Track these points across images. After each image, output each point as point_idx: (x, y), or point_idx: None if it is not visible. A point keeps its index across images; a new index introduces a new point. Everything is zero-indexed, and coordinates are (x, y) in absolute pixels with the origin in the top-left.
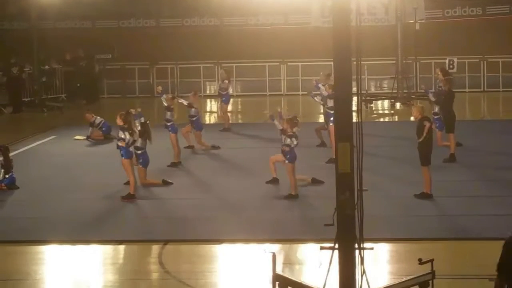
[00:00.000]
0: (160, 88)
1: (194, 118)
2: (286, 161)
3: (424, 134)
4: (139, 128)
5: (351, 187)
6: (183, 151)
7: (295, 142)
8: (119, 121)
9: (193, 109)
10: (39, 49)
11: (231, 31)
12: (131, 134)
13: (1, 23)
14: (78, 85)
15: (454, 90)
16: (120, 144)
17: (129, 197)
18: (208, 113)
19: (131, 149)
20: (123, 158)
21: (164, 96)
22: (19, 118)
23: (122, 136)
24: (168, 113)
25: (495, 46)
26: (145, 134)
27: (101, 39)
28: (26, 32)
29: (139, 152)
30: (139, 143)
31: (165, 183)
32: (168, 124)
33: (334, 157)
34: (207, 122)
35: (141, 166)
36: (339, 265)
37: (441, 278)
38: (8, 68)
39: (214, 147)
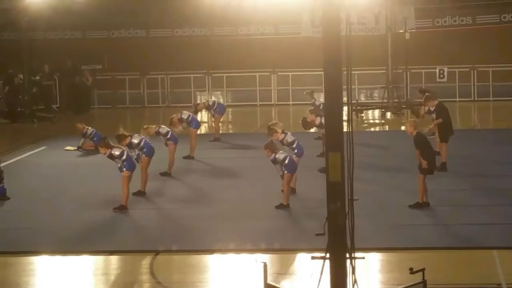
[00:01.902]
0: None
1: (168, 136)
2: (285, 171)
3: (421, 161)
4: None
5: (342, 197)
6: (176, 160)
7: (283, 156)
8: (103, 151)
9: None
10: (30, 59)
11: (221, 41)
12: (121, 156)
13: None
14: (34, 90)
15: (443, 99)
16: (123, 158)
17: (121, 208)
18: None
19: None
20: (125, 169)
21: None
22: (9, 129)
23: (122, 157)
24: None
25: (485, 56)
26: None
27: (91, 49)
28: (16, 42)
29: (142, 144)
30: (136, 140)
31: (140, 193)
32: (168, 136)
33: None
34: (198, 132)
35: (144, 155)
36: (330, 275)
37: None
38: (11, 78)
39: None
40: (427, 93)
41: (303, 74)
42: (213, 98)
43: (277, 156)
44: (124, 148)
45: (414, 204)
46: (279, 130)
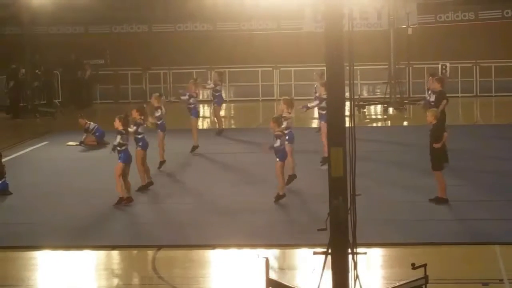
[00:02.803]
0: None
1: (159, 121)
2: (277, 159)
3: (442, 142)
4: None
5: (344, 192)
6: (179, 155)
7: (278, 143)
8: (117, 125)
9: (158, 112)
10: (32, 54)
11: (223, 36)
12: (126, 138)
13: None
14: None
15: (448, 95)
16: (120, 148)
17: (119, 202)
18: (201, 118)
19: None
20: (120, 161)
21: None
22: (11, 124)
23: (121, 141)
24: (157, 112)
25: (487, 51)
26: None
27: (93, 44)
28: (18, 37)
29: (139, 136)
30: (140, 128)
31: (145, 187)
32: (158, 122)
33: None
34: (200, 127)
35: (140, 149)
36: (332, 270)
37: (434, 283)
38: (16, 73)
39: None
40: (439, 76)
41: (305, 69)
42: (221, 88)
43: (276, 140)
44: (127, 143)
45: (435, 198)
46: (286, 109)
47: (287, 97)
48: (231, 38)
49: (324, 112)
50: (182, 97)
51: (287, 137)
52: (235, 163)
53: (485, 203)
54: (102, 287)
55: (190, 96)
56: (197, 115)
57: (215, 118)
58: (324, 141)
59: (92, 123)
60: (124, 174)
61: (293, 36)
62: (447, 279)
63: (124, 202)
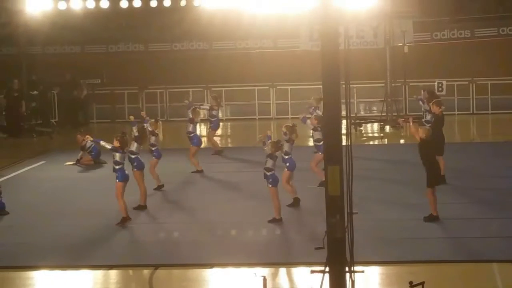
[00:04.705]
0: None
1: (154, 148)
2: (269, 185)
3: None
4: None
5: (341, 210)
6: (176, 174)
7: (270, 164)
8: (116, 143)
9: (153, 137)
10: (29, 74)
11: (220, 55)
12: (123, 156)
13: None
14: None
15: (444, 113)
16: (117, 167)
17: (123, 221)
18: None
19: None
20: (118, 180)
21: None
22: (8, 144)
23: (118, 160)
24: (153, 137)
25: (483, 69)
26: (140, 139)
27: (90, 64)
28: (15, 57)
29: (133, 156)
30: (134, 147)
31: (141, 207)
32: (153, 149)
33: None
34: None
35: (136, 169)
36: None
37: None
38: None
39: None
40: (438, 99)
41: (301, 88)
42: (217, 113)
43: (269, 161)
44: (123, 161)
45: (428, 216)
46: (289, 135)
47: (289, 124)
48: (227, 57)
49: (320, 144)
50: (185, 104)
51: (287, 164)
52: (232, 182)
53: (482, 221)
54: None
55: (191, 122)
56: (198, 144)
57: (211, 142)
58: (316, 170)
59: (89, 141)
60: (122, 197)
61: (290, 55)
62: None
63: (125, 221)
